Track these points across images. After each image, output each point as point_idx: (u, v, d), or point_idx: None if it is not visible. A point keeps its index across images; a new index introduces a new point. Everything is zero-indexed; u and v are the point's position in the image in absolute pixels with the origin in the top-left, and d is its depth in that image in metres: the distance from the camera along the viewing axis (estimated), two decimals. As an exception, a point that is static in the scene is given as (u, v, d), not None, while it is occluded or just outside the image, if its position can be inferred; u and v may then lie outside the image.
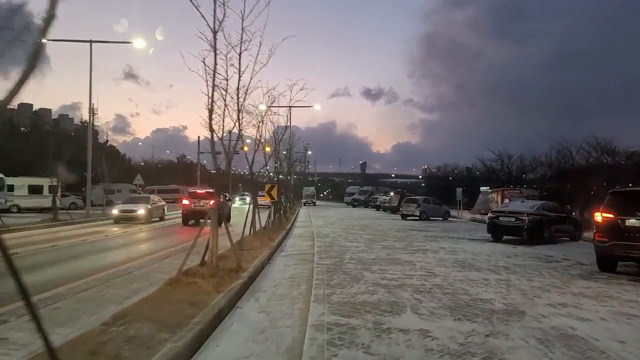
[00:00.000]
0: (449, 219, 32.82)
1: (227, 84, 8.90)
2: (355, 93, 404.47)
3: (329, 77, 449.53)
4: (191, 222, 23.91)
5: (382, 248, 14.59)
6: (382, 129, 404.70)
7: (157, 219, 26.48)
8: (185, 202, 24.81)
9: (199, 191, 26.63)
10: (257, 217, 15.71)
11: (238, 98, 8.84)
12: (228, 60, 8.97)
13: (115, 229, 20.90)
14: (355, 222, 28.55)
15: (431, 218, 31.76)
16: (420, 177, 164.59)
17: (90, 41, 28.08)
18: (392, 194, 43.33)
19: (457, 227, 26.02)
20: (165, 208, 28.38)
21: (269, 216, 19.52)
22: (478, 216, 34.03)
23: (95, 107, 35.55)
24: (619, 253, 10.17)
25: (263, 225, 18.79)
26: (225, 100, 8.76)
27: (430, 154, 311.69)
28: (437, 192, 48.91)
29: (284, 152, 42.02)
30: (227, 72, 8.93)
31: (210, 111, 7.83)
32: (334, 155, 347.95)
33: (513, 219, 17.17)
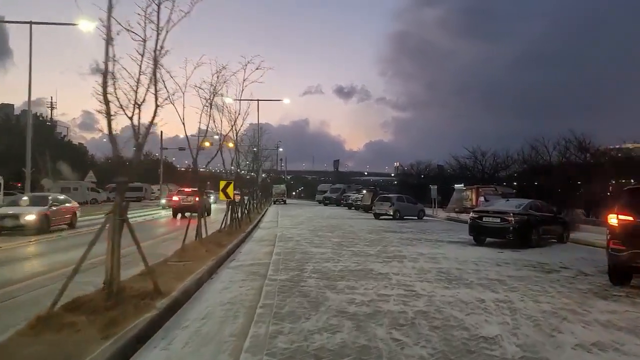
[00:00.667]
0: (424, 218, 31.02)
1: (145, 47, 6.59)
2: (327, 91, 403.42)
3: (301, 74, 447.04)
4: (179, 215, 28.09)
5: (352, 255, 12.47)
6: (354, 127, 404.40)
7: (65, 225, 19.84)
8: (175, 198, 29.32)
9: (186, 189, 29.52)
10: (204, 220, 13.34)
11: (155, 61, 6.49)
12: (147, 16, 6.69)
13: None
14: (324, 222, 26.42)
15: (405, 217, 29.90)
16: (392, 175, 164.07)
17: (30, 22, 25.19)
18: (364, 192, 41.41)
19: (433, 227, 24.16)
20: (77, 211, 21.28)
21: (225, 217, 17.16)
22: (453, 215, 32.35)
23: (54, 101, 33.00)
24: None
25: (220, 227, 16.56)
26: (141, 66, 6.45)
27: (403, 152, 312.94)
28: (410, 190, 47.33)
29: (253, 148, 39.73)
30: (145, 30, 6.63)
31: (105, 75, 5.51)
32: (307, 153, 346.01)
33: (498, 220, 15.27)
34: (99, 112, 5.63)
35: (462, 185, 42.51)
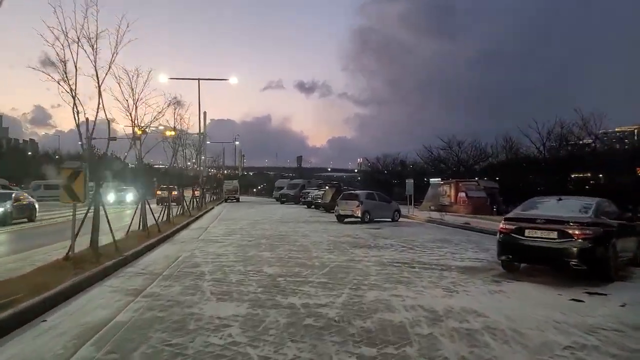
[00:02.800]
0: (400, 219, 24.41)
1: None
2: (289, 86, 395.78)
3: (261, 69, 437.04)
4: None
5: (290, 325, 5.49)
6: (317, 123, 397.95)
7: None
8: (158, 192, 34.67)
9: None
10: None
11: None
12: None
13: None
14: (270, 229, 19.38)
15: (376, 219, 23.21)
16: (356, 170, 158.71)
17: None
18: (326, 187, 34.55)
19: (418, 234, 17.50)
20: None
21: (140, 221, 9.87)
22: (435, 215, 25.84)
23: None
24: None
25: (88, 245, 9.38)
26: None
27: (366, 148, 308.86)
28: (376, 186, 41.05)
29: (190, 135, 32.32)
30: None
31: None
32: (270, 149, 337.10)
33: (554, 235, 8.55)
34: None
35: (439, 179, 36.26)
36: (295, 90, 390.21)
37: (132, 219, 15.04)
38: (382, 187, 42.40)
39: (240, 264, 10.04)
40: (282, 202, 46.86)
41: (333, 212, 28.37)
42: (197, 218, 25.09)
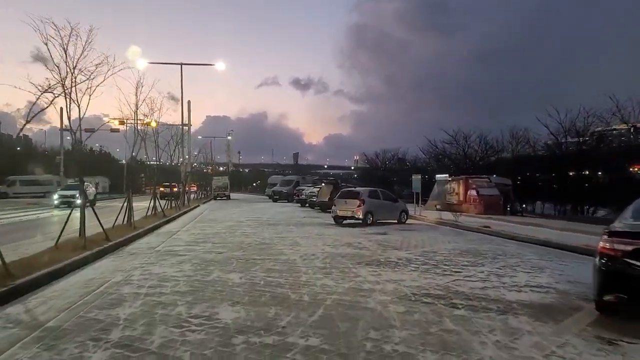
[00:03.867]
0: (407, 221, 20.85)
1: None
2: (284, 83, 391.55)
3: (256, 65, 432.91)
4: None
5: None
6: (313, 120, 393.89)
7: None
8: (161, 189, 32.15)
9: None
10: None
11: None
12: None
13: None
14: (254, 234, 15.80)
15: (380, 221, 19.66)
16: (352, 168, 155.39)
17: None
18: (322, 184, 30.93)
19: (437, 243, 13.96)
20: None
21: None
22: (447, 216, 22.25)
23: None
24: None
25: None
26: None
27: (362, 145, 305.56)
28: (375, 183, 37.48)
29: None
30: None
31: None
32: (266, 146, 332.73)
33: None
34: None
35: (447, 175, 32.68)
36: (290, 87, 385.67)
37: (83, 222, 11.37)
38: (381, 184, 38.86)
39: (186, 301, 6.45)
40: (275, 200, 43.23)
41: (330, 213, 24.91)
42: (171, 219, 21.47)
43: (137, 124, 21.00)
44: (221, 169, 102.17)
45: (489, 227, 18.40)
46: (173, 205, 29.36)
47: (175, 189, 49.11)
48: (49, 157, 75.68)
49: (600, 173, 34.99)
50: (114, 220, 15.73)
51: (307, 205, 32.99)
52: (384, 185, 41.66)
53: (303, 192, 35.10)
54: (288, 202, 41.24)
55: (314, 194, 31.38)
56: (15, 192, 48.76)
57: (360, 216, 18.76)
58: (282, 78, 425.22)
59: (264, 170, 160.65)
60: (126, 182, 22.53)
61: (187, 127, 36.62)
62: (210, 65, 33.61)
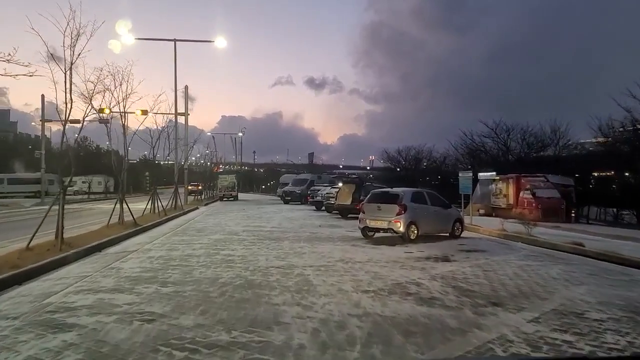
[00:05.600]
0: (462, 234, 14.96)
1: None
2: (298, 82, 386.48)
3: (270, 65, 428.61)
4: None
5: None
6: (328, 119, 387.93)
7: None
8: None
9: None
10: None
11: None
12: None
13: None
14: (244, 258, 10.14)
15: (426, 234, 13.78)
16: (368, 168, 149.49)
17: None
18: (341, 184, 25.11)
19: (550, 282, 8.23)
20: None
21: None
22: (513, 227, 16.26)
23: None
24: None
25: None
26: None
27: (377, 145, 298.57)
28: (396, 184, 31.60)
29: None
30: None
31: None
32: (281, 146, 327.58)
33: None
34: None
35: (493, 173, 26.62)
36: (304, 87, 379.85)
37: None
38: (404, 185, 33.05)
39: None
40: (286, 202, 37.54)
41: (352, 218, 19.28)
42: (145, 228, 15.97)
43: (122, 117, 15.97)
44: (225, 167, 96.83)
45: (581, 244, 12.57)
46: (167, 206, 24.00)
47: (200, 187, 47.03)
48: (57, 155, 71.51)
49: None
50: (53, 231, 10.37)
51: (324, 208, 27.28)
52: (409, 186, 35.73)
53: (318, 193, 29.36)
54: (301, 204, 35.56)
55: (331, 195, 25.62)
56: (1, 191, 43.97)
57: (401, 229, 12.97)
58: (297, 77, 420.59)
59: (279, 170, 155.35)
60: (115, 181, 17.17)
61: (180, 118, 31.18)
62: (210, 42, 28.12)
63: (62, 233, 10.75)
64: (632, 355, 3.89)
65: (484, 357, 4.46)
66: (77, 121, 35.05)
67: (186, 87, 31.03)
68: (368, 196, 14.34)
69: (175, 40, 27.45)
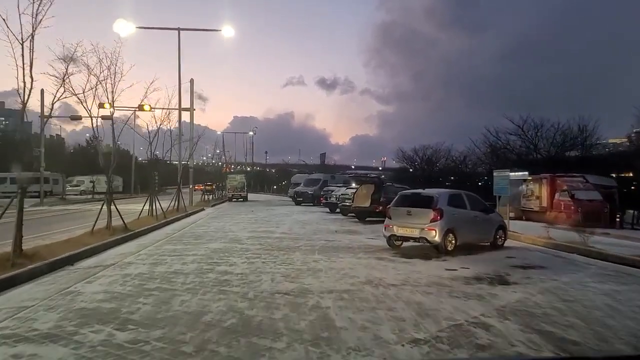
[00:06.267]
0: (505, 244, 12.55)
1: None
2: (310, 82, 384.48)
3: (281, 65, 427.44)
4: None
5: None
6: (339, 120, 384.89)
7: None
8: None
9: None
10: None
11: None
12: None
13: None
14: (244, 279, 7.89)
15: (465, 243, 11.39)
16: (380, 168, 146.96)
17: None
18: (358, 185, 22.73)
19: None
20: None
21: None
22: (563, 235, 13.81)
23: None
24: None
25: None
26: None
27: (389, 146, 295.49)
28: (412, 185, 29.16)
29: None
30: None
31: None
32: (293, 146, 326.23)
33: None
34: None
35: (525, 173, 24.03)
36: (316, 87, 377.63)
37: None
38: (421, 186, 30.65)
39: None
40: (298, 203, 35.30)
41: (371, 222, 17.16)
42: (136, 235, 13.82)
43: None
44: (237, 167, 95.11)
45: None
46: (169, 208, 21.96)
47: (213, 187, 46.50)
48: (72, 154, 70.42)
49: None
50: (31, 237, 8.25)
51: (338, 211, 25.00)
52: (424, 186, 33.14)
53: (332, 194, 27.06)
54: (313, 205, 33.31)
55: (347, 196, 23.32)
56: (3, 191, 42.28)
57: (436, 238, 10.62)
58: (308, 77, 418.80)
59: (291, 170, 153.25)
60: (108, 181, 15.23)
61: (183, 113, 29.11)
62: (217, 30, 26.00)
63: (21, 243, 8.61)
64: (632, 355, 3.61)
65: (484, 357, 4.39)
66: (78, 117, 32.91)
67: (191, 81, 28.92)
68: (396, 198, 11.97)
69: (179, 30, 25.37)
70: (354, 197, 20.94)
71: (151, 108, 22.31)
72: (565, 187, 22.53)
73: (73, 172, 55.69)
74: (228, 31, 25.63)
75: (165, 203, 20.19)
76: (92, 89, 13.33)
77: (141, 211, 18.06)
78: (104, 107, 24.47)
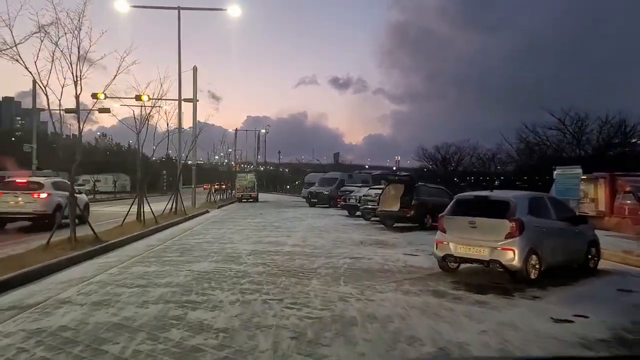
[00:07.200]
0: (598, 263, 9.13)
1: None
2: (323, 82, 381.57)
3: (294, 64, 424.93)
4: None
5: None
6: (352, 119, 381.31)
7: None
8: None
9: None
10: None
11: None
12: None
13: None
14: (237, 327, 4.54)
15: (550, 265, 8.00)
16: (394, 168, 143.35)
17: None
18: (385, 184, 19.25)
19: None
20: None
21: None
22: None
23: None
24: None
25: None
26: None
27: (403, 146, 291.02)
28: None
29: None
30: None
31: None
32: (307, 146, 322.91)
33: None
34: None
35: (578, 171, 20.40)
36: (329, 87, 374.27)
37: None
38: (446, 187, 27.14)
39: None
40: (312, 204, 31.99)
41: (400, 230, 13.93)
42: (107, 249, 10.66)
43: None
44: (250, 166, 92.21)
45: None
46: (166, 210, 19.02)
47: (224, 186, 44.31)
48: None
49: None
50: None
51: (358, 214, 21.68)
52: (452, 190, 29.58)
53: (352, 195, 23.68)
54: (329, 207, 30.00)
55: (369, 198, 19.95)
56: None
57: (516, 263, 7.25)
58: (321, 77, 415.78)
59: (304, 170, 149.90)
60: (71, 180, 12.05)
61: (184, 106, 26.02)
62: (222, 10, 22.84)
63: None
64: (632, 355, 3.40)
65: (484, 357, 4.19)
66: (72, 110, 29.76)
67: (194, 68, 25.75)
68: (452, 204, 8.54)
69: (179, 9, 22.24)
70: (379, 198, 17.56)
71: (149, 98, 19.38)
72: (629, 188, 18.89)
73: (85, 172, 53.54)
74: (234, 10, 22.47)
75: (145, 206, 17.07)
76: (51, 58, 10.15)
77: (126, 215, 14.92)
78: (97, 98, 21.57)
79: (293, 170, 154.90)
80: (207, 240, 12.74)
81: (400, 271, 8.59)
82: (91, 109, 22.22)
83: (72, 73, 10.55)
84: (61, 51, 10.44)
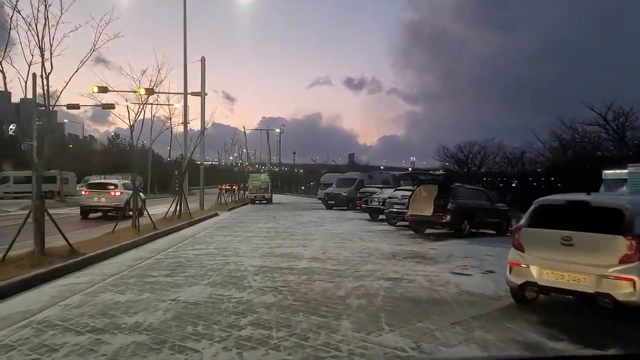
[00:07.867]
0: None
1: None
2: (337, 82, 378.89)
3: (308, 65, 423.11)
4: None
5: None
6: (367, 120, 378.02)
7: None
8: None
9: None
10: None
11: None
12: None
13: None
14: None
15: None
16: (410, 169, 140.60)
17: None
18: (416, 185, 16.87)
19: None
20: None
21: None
22: None
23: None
24: None
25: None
26: None
27: (417, 147, 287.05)
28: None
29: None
30: None
31: None
32: (321, 147, 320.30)
33: None
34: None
35: (629, 169, 17.78)
36: (343, 87, 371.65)
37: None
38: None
39: None
40: (329, 207, 29.71)
41: (434, 237, 11.72)
42: (80, 265, 8.56)
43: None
44: (265, 167, 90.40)
45: None
46: (169, 214, 17.01)
47: (235, 187, 46.15)
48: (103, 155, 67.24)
49: None
50: None
51: (382, 218, 19.40)
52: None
53: (374, 196, 21.35)
54: (348, 209, 27.71)
55: (395, 200, 17.63)
56: (6, 191, 38.24)
57: (638, 298, 4.92)
58: (335, 77, 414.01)
59: (319, 171, 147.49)
60: (35, 182, 9.88)
61: (191, 100, 23.98)
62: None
63: None
64: (633, 354, 3.16)
65: (484, 357, 4.13)
66: (76, 106, 27.71)
67: (203, 59, 23.67)
68: (531, 212, 6.11)
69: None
70: (409, 201, 15.23)
71: (146, 91, 17.41)
72: None
73: (101, 172, 52.19)
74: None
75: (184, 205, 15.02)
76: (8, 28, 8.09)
77: (117, 223, 12.84)
78: (93, 92, 19.57)
79: (308, 171, 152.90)
80: (208, 252, 10.57)
81: (457, 302, 6.30)
82: (85, 105, 20.39)
83: (40, 47, 8.47)
84: (24, 18, 8.40)
